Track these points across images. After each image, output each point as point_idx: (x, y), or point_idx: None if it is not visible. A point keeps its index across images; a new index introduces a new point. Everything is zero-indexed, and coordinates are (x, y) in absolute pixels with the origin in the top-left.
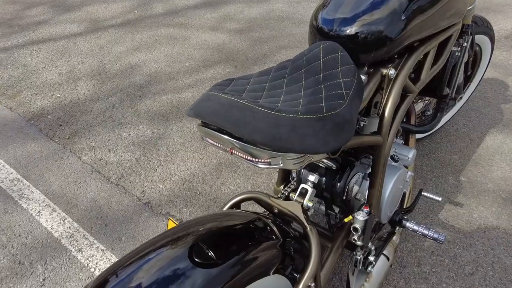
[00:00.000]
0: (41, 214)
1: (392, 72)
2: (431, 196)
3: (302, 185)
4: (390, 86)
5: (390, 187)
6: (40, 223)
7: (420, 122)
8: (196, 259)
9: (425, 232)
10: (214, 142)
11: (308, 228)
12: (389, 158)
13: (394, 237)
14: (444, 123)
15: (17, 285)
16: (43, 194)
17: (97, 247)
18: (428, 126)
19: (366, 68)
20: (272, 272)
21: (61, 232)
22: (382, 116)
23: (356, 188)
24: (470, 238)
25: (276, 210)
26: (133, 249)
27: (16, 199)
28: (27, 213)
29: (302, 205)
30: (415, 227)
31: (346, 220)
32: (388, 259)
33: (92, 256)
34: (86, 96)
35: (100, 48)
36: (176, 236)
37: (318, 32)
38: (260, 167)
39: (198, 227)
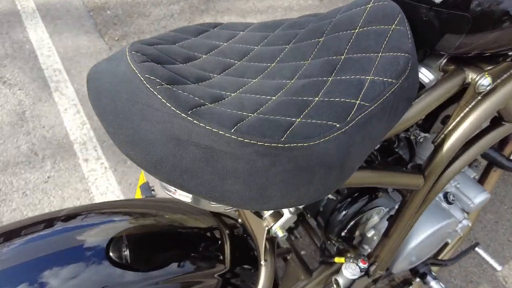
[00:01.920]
0: (67, 113)
1: (485, 82)
2: (487, 258)
3: None
4: (474, 103)
5: (421, 238)
6: (63, 121)
7: None
8: (110, 260)
9: None
10: None
11: (263, 263)
12: (440, 195)
13: None
14: None
15: (27, 174)
16: (75, 92)
17: (102, 163)
18: None
19: (442, 63)
20: None
21: (76, 137)
22: (438, 147)
23: (366, 228)
24: None
25: (240, 222)
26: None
27: (52, 90)
28: (56, 107)
29: (268, 231)
30: None
31: (336, 260)
32: None
33: (95, 170)
34: None
35: None
36: (82, 217)
37: None
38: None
39: (120, 214)
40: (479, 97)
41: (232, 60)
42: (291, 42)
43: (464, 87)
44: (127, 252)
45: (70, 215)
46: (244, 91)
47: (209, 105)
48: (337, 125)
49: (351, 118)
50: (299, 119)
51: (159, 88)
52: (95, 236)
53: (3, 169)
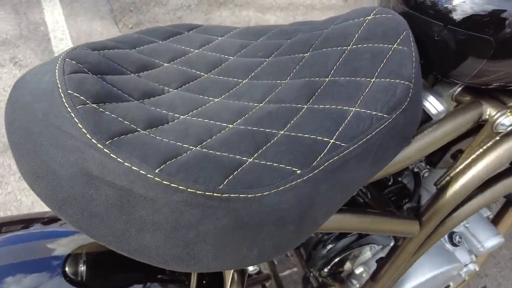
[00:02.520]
0: None
1: (506, 121)
2: None
3: None
4: (490, 144)
5: (418, 282)
6: None
7: None
8: None
9: None
10: None
11: None
12: (446, 236)
13: None
14: None
15: None
16: None
17: None
18: None
19: (455, 91)
20: None
21: None
22: (441, 191)
23: (355, 264)
24: None
25: None
26: None
27: None
28: None
29: None
30: None
31: None
32: None
33: None
34: None
35: None
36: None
37: None
38: None
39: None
40: (497, 138)
41: (197, 72)
42: (272, 55)
43: (477, 125)
44: (83, 269)
45: (44, 220)
46: (197, 114)
47: (141, 131)
48: (298, 171)
49: (319, 162)
50: (251, 159)
51: (80, 108)
52: (55, 248)
53: (3, 151)
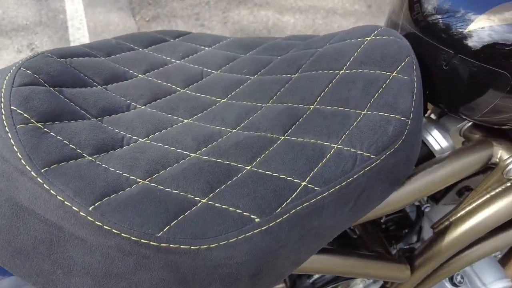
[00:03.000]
0: None
1: None
2: None
3: None
4: (500, 191)
5: None
6: None
7: None
8: None
9: None
10: None
11: None
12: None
13: None
14: None
15: None
16: None
17: None
18: None
19: (464, 127)
20: None
21: None
22: (438, 236)
23: None
24: None
25: None
26: None
27: None
28: None
29: None
30: None
31: None
32: None
33: None
34: None
35: None
36: None
37: (411, 15)
38: None
39: None
40: (508, 184)
41: (173, 86)
42: (258, 73)
43: (486, 167)
44: None
45: None
46: (158, 138)
47: (86, 158)
48: (256, 220)
49: (284, 209)
50: (204, 200)
51: (20, 128)
52: None
53: None
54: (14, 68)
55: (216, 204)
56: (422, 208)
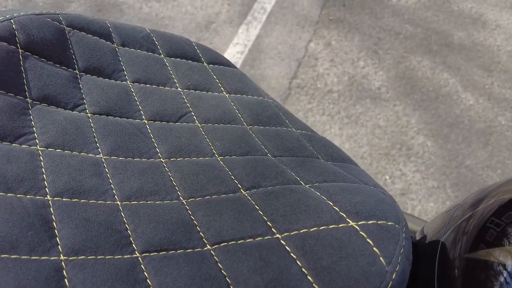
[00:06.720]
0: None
1: None
2: None
3: None
4: None
5: None
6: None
7: None
8: None
9: None
10: None
11: None
12: None
13: None
14: None
15: None
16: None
17: None
18: None
19: None
20: None
21: None
22: None
23: None
24: None
25: None
26: None
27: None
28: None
29: None
30: None
31: None
32: None
33: None
34: None
35: None
36: None
37: None
38: None
39: None
40: None
41: (136, 120)
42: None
43: None
44: None
45: None
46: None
47: None
48: None
49: None
50: None
51: None
52: None
53: None
54: (7, 16)
55: None
56: None
